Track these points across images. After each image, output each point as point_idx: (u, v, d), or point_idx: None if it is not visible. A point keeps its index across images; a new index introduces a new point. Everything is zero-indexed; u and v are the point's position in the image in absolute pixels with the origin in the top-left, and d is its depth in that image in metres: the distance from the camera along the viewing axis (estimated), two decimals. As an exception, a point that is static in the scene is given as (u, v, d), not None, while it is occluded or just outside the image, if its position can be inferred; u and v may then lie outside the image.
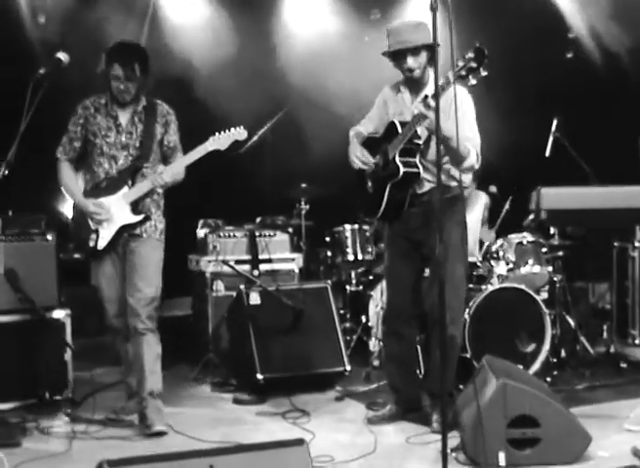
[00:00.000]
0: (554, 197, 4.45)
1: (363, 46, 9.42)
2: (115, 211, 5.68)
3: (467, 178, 5.72)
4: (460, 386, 5.87)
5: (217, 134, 5.72)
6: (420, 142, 5.39)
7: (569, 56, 9.78)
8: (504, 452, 4.75)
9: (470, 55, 4.73)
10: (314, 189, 8.19)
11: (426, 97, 5.14)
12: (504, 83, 8.30)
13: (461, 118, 5.11)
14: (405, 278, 5.73)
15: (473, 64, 4.72)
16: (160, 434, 5.55)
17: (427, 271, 5.78)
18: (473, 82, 4.82)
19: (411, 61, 5.42)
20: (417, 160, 5.42)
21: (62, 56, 4.98)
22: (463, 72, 4.78)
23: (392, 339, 5.85)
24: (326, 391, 6.57)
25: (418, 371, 6.31)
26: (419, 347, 6.37)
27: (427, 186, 5.52)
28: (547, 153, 7.38)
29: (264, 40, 9.49)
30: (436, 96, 4.43)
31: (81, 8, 8.70)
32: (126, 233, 5.72)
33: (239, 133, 5.74)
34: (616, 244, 7.69)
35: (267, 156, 8.31)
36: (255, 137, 7.71)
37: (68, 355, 6.25)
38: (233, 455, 3.55)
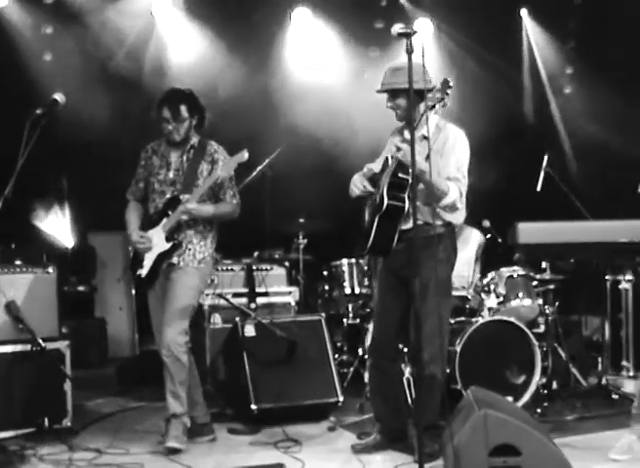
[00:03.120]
0: (530, 232, 4.58)
1: (362, 82, 9.58)
2: (156, 241, 6.03)
3: (456, 219, 5.77)
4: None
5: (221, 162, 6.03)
6: (407, 177, 5.50)
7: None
8: (486, 480, 4.84)
9: (437, 86, 5.22)
10: (312, 224, 8.33)
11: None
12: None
13: (450, 155, 5.36)
14: (391, 313, 5.80)
15: (438, 95, 5.21)
16: (174, 451, 5.81)
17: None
18: (439, 112, 5.32)
19: (389, 104, 5.69)
20: (405, 195, 5.54)
21: (59, 96, 5.17)
22: (430, 102, 5.23)
23: (377, 373, 5.93)
24: (319, 421, 6.64)
25: (405, 401, 6.39)
26: (410, 378, 6.47)
27: (412, 223, 5.60)
28: (539, 188, 7.50)
29: (264, 77, 9.67)
30: (411, 130, 4.66)
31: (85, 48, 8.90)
32: (164, 263, 6.04)
33: (241, 156, 5.96)
34: (608, 277, 7.78)
35: (266, 191, 8.46)
36: (254, 173, 7.87)
37: (68, 385, 6.36)
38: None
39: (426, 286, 5.31)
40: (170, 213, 6.00)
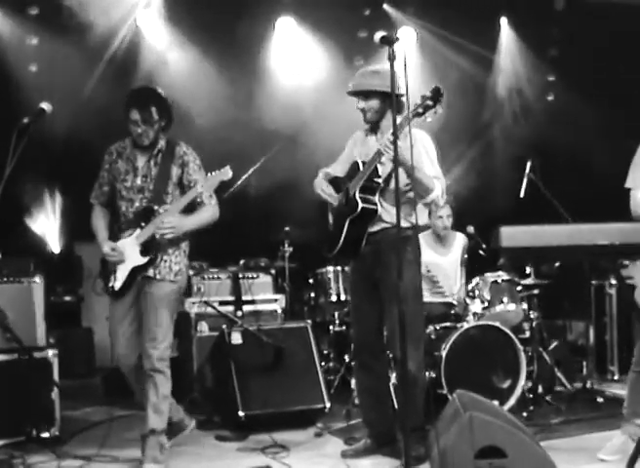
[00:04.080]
0: (513, 235, 4.63)
1: (346, 92, 9.61)
2: (129, 253, 5.75)
3: (420, 219, 5.77)
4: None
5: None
6: (380, 181, 5.59)
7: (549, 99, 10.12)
8: (473, 482, 4.88)
9: (428, 94, 5.26)
10: (298, 232, 8.38)
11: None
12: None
13: (421, 155, 5.52)
14: (368, 316, 5.86)
15: (430, 102, 5.25)
16: None
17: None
18: (429, 119, 5.31)
19: (361, 104, 5.78)
20: (376, 198, 5.63)
21: (46, 105, 5.18)
22: (420, 109, 5.27)
23: (363, 372, 5.99)
24: (306, 428, 6.68)
25: (392, 406, 6.43)
26: (392, 382, 6.52)
27: (380, 225, 5.70)
28: (522, 194, 7.55)
29: (249, 84, 9.69)
30: (394, 134, 4.71)
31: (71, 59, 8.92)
32: (139, 275, 5.77)
33: (224, 172, 5.68)
34: (593, 282, 7.85)
35: (251, 200, 8.51)
36: (239, 182, 7.91)
37: (55, 394, 6.38)
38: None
39: (397, 287, 5.33)
40: (143, 224, 5.73)
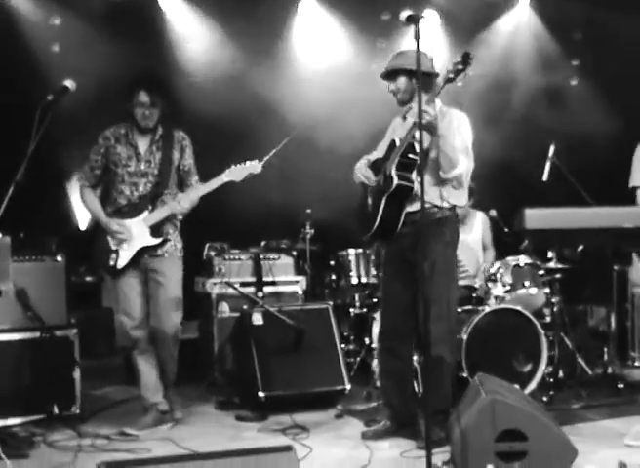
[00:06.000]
0: (537, 217, 4.61)
1: (370, 73, 9.57)
2: (135, 233, 6.06)
3: (459, 200, 5.78)
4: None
5: (232, 166, 6.08)
6: (416, 157, 5.53)
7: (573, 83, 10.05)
8: (493, 465, 4.88)
9: (458, 59, 5.27)
10: (319, 214, 8.37)
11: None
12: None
13: (455, 131, 5.53)
14: (399, 297, 5.81)
15: (460, 67, 5.27)
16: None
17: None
18: (459, 83, 5.35)
19: (391, 86, 5.81)
20: (413, 176, 5.58)
21: (69, 83, 5.20)
22: (452, 75, 5.30)
23: (387, 356, 5.95)
24: (327, 409, 6.69)
25: (415, 388, 6.44)
26: (417, 365, 6.52)
27: (418, 205, 5.60)
28: (545, 178, 7.50)
29: (272, 66, 9.67)
30: (419, 108, 4.74)
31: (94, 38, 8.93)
32: (146, 254, 6.09)
33: (254, 166, 6.10)
34: (615, 267, 7.80)
35: (273, 181, 8.49)
36: (260, 163, 7.89)
37: (77, 372, 6.44)
38: (224, 459, 3.73)
39: (433, 269, 5.32)
40: (150, 207, 6.08)
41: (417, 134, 5.40)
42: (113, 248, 6.10)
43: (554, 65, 10.02)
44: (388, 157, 5.75)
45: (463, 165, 5.56)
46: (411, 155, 5.57)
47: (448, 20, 9.85)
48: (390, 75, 5.80)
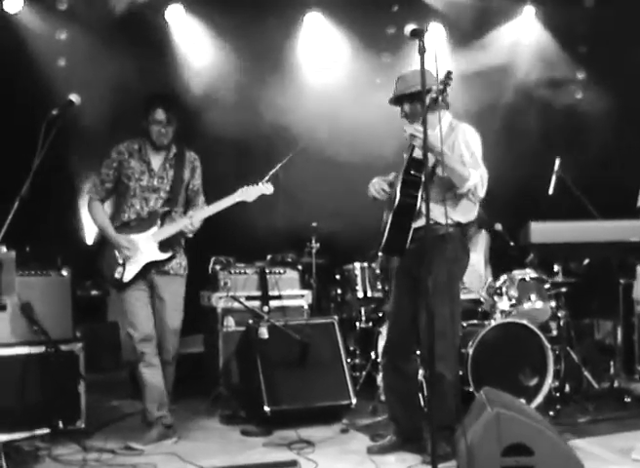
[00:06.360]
0: (542, 231, 4.60)
1: (374, 87, 9.60)
2: (143, 247, 6.12)
3: (464, 218, 5.78)
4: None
5: (245, 186, 6.22)
6: (418, 174, 5.53)
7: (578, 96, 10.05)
8: (499, 480, 4.86)
9: (441, 78, 5.34)
10: (325, 228, 8.36)
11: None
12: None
13: (461, 145, 5.58)
14: (405, 313, 5.81)
15: (441, 86, 5.35)
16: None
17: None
18: (443, 104, 5.50)
19: (401, 112, 5.86)
20: (418, 193, 5.57)
21: (74, 97, 5.21)
22: (435, 95, 5.38)
23: (391, 373, 5.94)
24: (332, 423, 6.66)
25: (419, 403, 6.40)
26: (423, 380, 6.49)
27: (422, 221, 5.50)
28: (551, 191, 7.50)
29: (277, 80, 9.65)
30: (424, 122, 4.77)
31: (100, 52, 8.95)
32: (153, 269, 6.18)
33: (267, 188, 6.30)
34: (621, 281, 7.78)
35: (279, 195, 8.47)
36: (266, 178, 7.89)
37: (82, 386, 6.42)
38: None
39: (434, 285, 5.30)
40: (159, 223, 6.16)
41: (416, 152, 5.46)
42: (120, 261, 6.13)
43: (560, 78, 10.00)
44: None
45: (474, 177, 5.55)
46: (413, 171, 5.58)
47: (452, 33, 9.86)
48: (397, 101, 5.84)
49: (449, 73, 5.35)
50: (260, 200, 6.68)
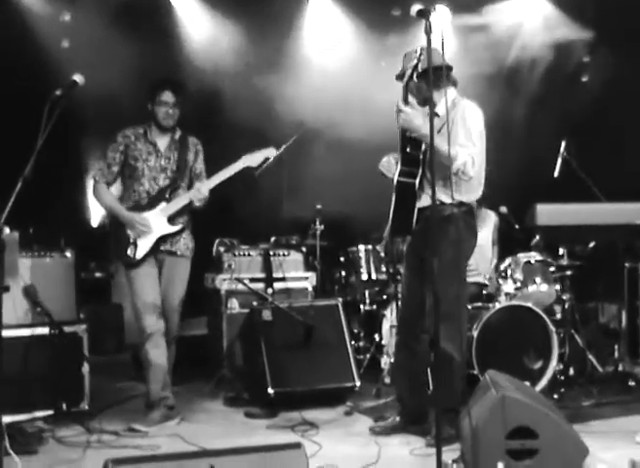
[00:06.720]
0: (549, 214, 4.57)
1: (379, 69, 9.57)
2: (153, 224, 6.20)
3: (468, 197, 5.72)
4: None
5: (248, 154, 6.29)
6: (414, 152, 5.51)
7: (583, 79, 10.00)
8: (503, 463, 4.84)
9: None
10: (329, 210, 8.34)
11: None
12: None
13: (458, 123, 5.47)
14: (415, 294, 5.78)
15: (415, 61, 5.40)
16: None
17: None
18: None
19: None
20: (417, 171, 5.54)
21: (78, 78, 5.17)
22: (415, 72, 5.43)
23: (403, 351, 5.94)
24: (336, 406, 6.66)
25: (427, 386, 6.38)
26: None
27: (426, 201, 5.54)
28: (556, 174, 7.46)
29: (282, 63, 9.67)
30: (431, 109, 4.74)
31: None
32: (162, 247, 6.27)
33: (269, 151, 6.38)
34: (627, 264, 7.76)
35: (283, 177, 8.47)
36: (270, 159, 7.87)
37: (85, 368, 6.40)
38: (233, 456, 3.71)
39: (440, 266, 5.26)
40: (167, 197, 6.24)
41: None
42: (131, 240, 6.20)
43: (567, 59, 9.96)
44: None
45: (462, 156, 5.42)
46: (409, 149, 5.53)
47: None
48: (398, 79, 5.74)
49: (422, 49, 5.29)
50: (263, 182, 6.69)
